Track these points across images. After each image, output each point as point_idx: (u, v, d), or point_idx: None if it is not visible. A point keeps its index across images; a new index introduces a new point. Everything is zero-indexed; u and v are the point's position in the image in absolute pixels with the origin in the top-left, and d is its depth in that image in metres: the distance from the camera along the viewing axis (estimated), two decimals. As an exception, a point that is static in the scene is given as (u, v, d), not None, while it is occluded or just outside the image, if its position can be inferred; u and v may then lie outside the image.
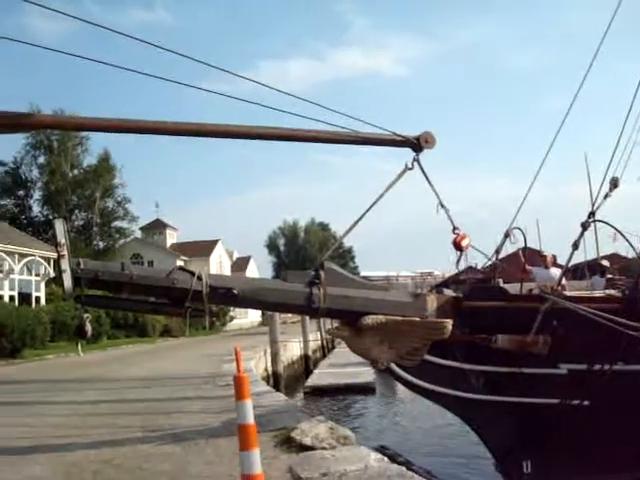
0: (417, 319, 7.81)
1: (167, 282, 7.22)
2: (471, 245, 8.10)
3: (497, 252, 10.08)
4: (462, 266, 8.95)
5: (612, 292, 9.67)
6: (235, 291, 7.37)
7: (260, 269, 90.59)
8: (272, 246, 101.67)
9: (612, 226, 8.55)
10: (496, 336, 8.03)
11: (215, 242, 70.51)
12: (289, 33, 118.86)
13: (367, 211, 7.72)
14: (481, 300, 8.33)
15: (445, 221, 7.95)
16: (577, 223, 8.45)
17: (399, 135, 7.59)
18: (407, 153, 7.81)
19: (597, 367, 8.22)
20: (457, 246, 7.97)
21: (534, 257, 13.58)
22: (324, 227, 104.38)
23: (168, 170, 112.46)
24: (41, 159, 55.32)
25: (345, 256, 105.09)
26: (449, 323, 7.72)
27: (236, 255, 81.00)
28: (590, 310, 7.74)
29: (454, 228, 7.96)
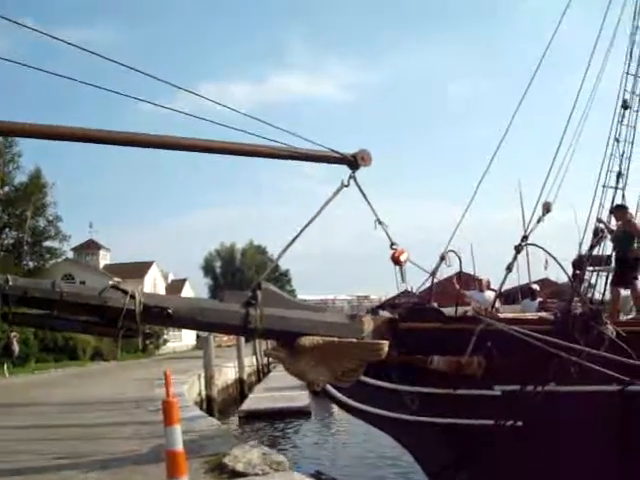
0: (353, 340, 7.77)
1: (99, 300, 7.00)
2: (409, 260, 8.12)
3: (433, 274, 10.13)
4: (400, 287, 8.93)
5: (544, 315, 9.84)
6: (170, 310, 7.19)
7: (196, 291, 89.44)
8: (208, 268, 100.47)
9: (544, 249, 8.72)
10: (432, 357, 8.06)
11: (150, 264, 69.43)
12: (231, 56, 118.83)
13: (303, 230, 7.66)
14: (417, 321, 8.36)
15: (382, 243, 7.97)
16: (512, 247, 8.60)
17: (336, 152, 7.59)
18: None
19: (530, 388, 8.32)
20: (396, 261, 7.97)
21: (470, 281, 13.78)
22: (261, 250, 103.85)
23: (104, 189, 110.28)
24: (-30, 176, 53.66)
25: (281, 279, 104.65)
26: (385, 344, 7.70)
27: (171, 277, 79.89)
28: (523, 331, 7.85)
29: (392, 244, 7.97)
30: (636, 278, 10.75)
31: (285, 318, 7.61)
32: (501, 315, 8.85)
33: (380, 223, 7.94)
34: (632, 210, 12.49)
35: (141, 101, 6.62)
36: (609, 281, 11.04)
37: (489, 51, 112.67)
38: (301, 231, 7.62)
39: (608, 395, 8.43)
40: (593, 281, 12.52)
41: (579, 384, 8.30)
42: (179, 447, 4.36)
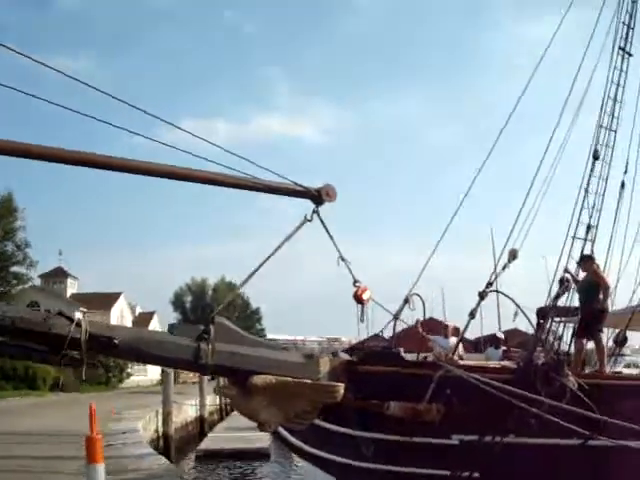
0: (308, 381, 7.50)
1: (44, 327, 6.70)
2: (372, 299, 7.91)
3: (396, 317, 9.93)
4: (365, 332, 8.69)
5: (507, 364, 9.64)
6: (116, 341, 6.89)
7: (164, 325, 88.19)
8: (178, 303, 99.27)
9: (507, 296, 8.58)
10: (389, 403, 7.80)
11: (117, 295, 68.23)
12: (214, 93, 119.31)
13: (264, 262, 7.41)
14: (376, 365, 8.12)
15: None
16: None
17: (300, 185, 7.40)
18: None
19: (488, 439, 8.08)
20: (358, 299, 7.74)
21: (439, 327, 13.56)
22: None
23: (76, 217, 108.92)
24: (-62, 197, 52.63)
25: (252, 317, 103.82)
26: (341, 387, 7.45)
27: (139, 310, 78.65)
28: (482, 379, 7.65)
29: (355, 281, 7.75)
30: (601, 330, 10.61)
31: (238, 355, 7.34)
32: (462, 362, 8.63)
33: (343, 260, 7.74)
34: (601, 262, 12.47)
35: (126, 132, 6.44)
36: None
37: (465, 99, 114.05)
38: (262, 263, 7.34)
39: (569, 449, 8.21)
40: (560, 332, 12.43)
41: (539, 436, 8.09)
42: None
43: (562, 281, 8.94)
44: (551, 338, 11.97)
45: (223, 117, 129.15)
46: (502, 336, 13.86)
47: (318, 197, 7.48)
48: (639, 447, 8.17)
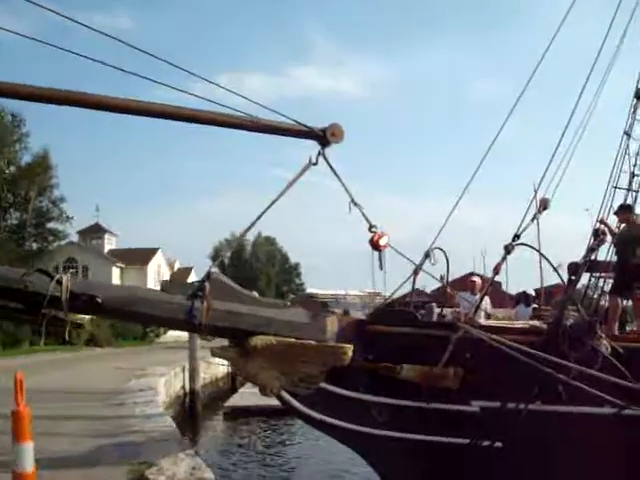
0: (313, 342, 6.91)
1: (18, 284, 6.20)
2: (389, 245, 7.24)
3: (415, 272, 9.18)
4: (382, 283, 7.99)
5: (536, 323, 8.87)
6: (99, 299, 6.36)
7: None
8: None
9: (535, 249, 7.84)
10: (401, 366, 7.15)
11: (155, 250, 68.38)
12: (250, 48, 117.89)
13: (267, 209, 6.83)
14: (388, 325, 7.45)
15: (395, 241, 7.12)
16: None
17: (303, 125, 6.71)
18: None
19: (512, 406, 7.39)
20: (375, 245, 7.10)
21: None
22: (271, 242, 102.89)
23: (114, 171, 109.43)
24: (-25, 155, 52.95)
25: (291, 272, 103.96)
26: (349, 348, 6.84)
27: (177, 265, 78.94)
28: (505, 342, 6.93)
29: (370, 226, 7.09)
30: (638, 288, 9.74)
31: (235, 313, 6.77)
32: (483, 322, 7.90)
33: (355, 204, 7.08)
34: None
35: (157, 84, 6.14)
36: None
37: (511, 52, 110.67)
38: (266, 209, 6.79)
39: (601, 418, 7.48)
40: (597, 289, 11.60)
41: (568, 404, 7.37)
42: (29, 469, 3.44)
43: (596, 233, 8.09)
44: (583, 296, 11.26)
45: (260, 71, 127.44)
46: (532, 293, 13.03)
47: (323, 138, 6.80)
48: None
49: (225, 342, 7.24)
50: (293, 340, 6.84)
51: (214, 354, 7.25)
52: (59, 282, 6.26)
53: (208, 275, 6.77)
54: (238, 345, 6.95)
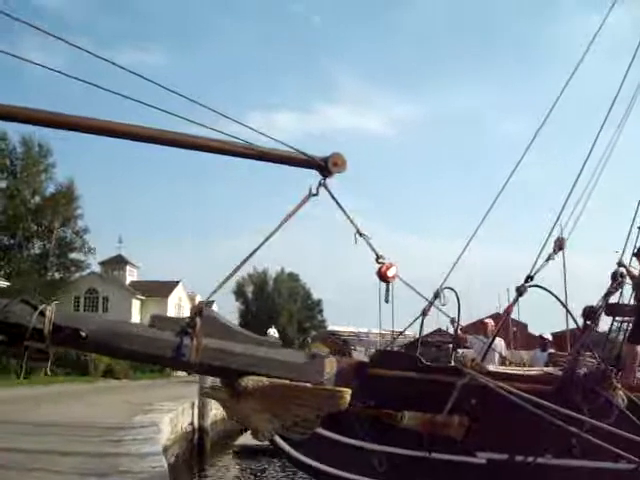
0: (308, 385, 6.48)
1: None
2: (398, 276, 6.86)
3: (424, 314, 8.80)
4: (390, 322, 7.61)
5: (551, 370, 8.40)
6: (83, 333, 6.03)
7: (224, 315, 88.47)
8: (240, 293, 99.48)
9: (549, 291, 7.36)
10: (402, 413, 6.72)
11: (176, 283, 68.54)
12: (279, 86, 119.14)
13: (264, 242, 6.45)
14: (390, 368, 7.03)
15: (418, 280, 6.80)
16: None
17: (304, 153, 6.38)
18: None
19: (520, 458, 6.91)
20: (382, 277, 6.67)
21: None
22: (294, 278, 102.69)
23: (138, 203, 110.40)
24: (2, 183, 53.64)
25: (313, 308, 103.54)
26: (347, 393, 6.40)
27: (199, 299, 78.98)
28: (512, 390, 6.47)
29: (377, 257, 6.71)
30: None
31: (227, 352, 6.37)
32: (492, 368, 7.45)
33: (361, 235, 6.70)
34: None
35: (189, 122, 6.02)
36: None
37: (534, 91, 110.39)
38: (264, 242, 6.40)
39: (616, 475, 6.96)
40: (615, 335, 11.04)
41: (582, 458, 6.87)
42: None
43: (615, 275, 7.62)
44: (605, 341, 10.70)
45: (287, 108, 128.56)
46: (549, 337, 12.49)
47: (325, 167, 6.48)
48: None
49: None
50: (287, 382, 6.43)
51: (204, 394, 6.91)
52: (42, 314, 5.97)
53: (199, 310, 6.41)
54: (229, 385, 6.57)
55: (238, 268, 6.62)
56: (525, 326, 41.60)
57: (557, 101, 9.83)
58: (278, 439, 7.00)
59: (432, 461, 6.97)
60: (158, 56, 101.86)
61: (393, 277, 6.83)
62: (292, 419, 6.61)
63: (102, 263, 66.71)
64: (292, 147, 6.40)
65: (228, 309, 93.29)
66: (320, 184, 6.48)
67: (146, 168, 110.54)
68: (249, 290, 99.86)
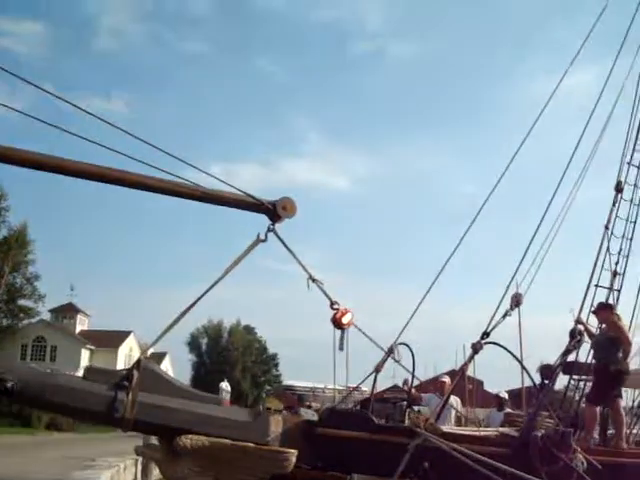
0: (251, 445, 6.08)
1: None
2: (354, 323, 6.55)
3: (377, 370, 8.48)
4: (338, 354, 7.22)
5: (507, 430, 8.06)
6: (9, 384, 5.56)
7: (177, 367, 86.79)
8: (194, 344, 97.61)
9: (505, 348, 7.12)
10: (352, 476, 6.32)
11: (127, 333, 66.76)
12: (239, 138, 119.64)
13: (208, 290, 6.21)
14: (340, 428, 6.64)
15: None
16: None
17: (252, 197, 6.11)
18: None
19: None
20: (337, 323, 6.51)
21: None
22: (249, 330, 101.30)
23: (90, 251, 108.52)
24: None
25: (269, 362, 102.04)
26: (292, 454, 6.03)
27: (151, 350, 77.28)
28: (467, 452, 6.14)
29: (332, 303, 6.49)
30: (618, 395, 8.98)
31: (164, 408, 5.95)
32: (445, 429, 7.11)
33: (313, 281, 6.49)
34: (627, 315, 10.93)
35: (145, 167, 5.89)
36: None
37: (489, 153, 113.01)
38: (206, 291, 6.19)
39: None
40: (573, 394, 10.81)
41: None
42: None
43: (573, 333, 7.41)
44: (562, 399, 10.46)
45: (251, 161, 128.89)
46: (505, 396, 12.19)
47: (274, 212, 6.21)
48: None
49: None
50: (229, 442, 6.02)
51: (138, 453, 6.42)
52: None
53: (138, 363, 6.01)
54: (167, 444, 6.12)
55: (179, 319, 6.23)
56: (481, 383, 41.38)
57: (509, 164, 9.82)
58: (218, 503, 6.51)
59: None
60: (119, 105, 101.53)
61: (348, 324, 6.54)
62: (234, 481, 6.19)
63: (52, 311, 64.95)
64: (240, 190, 6.14)
65: (182, 361, 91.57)
66: (269, 229, 6.22)
67: (102, 216, 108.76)
68: (203, 342, 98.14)
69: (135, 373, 5.88)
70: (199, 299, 6.22)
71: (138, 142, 5.81)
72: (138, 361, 6.06)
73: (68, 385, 5.90)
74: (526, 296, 9.06)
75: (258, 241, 6.19)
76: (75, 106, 5.75)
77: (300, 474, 6.26)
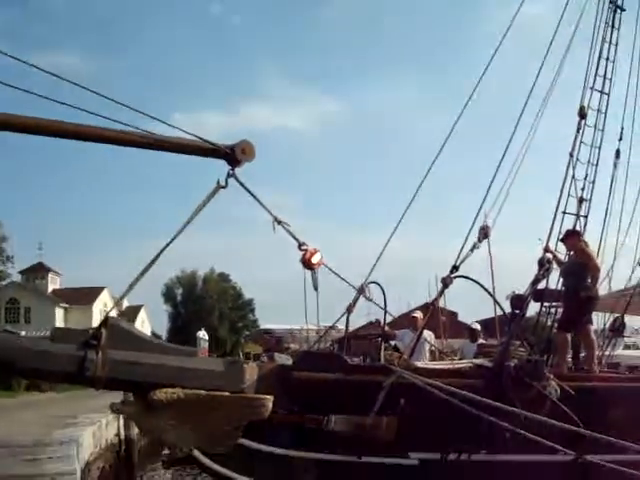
0: (226, 394, 6.03)
1: None
2: (324, 263, 6.49)
3: (349, 311, 8.49)
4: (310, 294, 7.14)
5: (480, 361, 8.14)
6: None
7: (154, 319, 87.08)
8: (169, 295, 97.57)
9: (475, 281, 7.12)
10: (329, 417, 6.34)
11: (100, 289, 66.37)
12: (201, 86, 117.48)
13: (171, 241, 5.99)
14: (314, 370, 6.63)
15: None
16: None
17: (209, 142, 5.92)
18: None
19: (453, 457, 6.63)
20: (307, 264, 6.42)
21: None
22: (224, 277, 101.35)
23: (60, 208, 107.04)
24: None
25: (245, 308, 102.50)
26: (268, 400, 6.00)
27: (126, 304, 76.89)
28: (441, 386, 6.18)
29: (300, 244, 6.40)
30: (589, 322, 9.09)
31: (136, 364, 5.85)
32: (419, 364, 7.15)
33: (279, 223, 6.34)
34: (595, 241, 11.03)
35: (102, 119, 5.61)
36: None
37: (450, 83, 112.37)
38: (170, 242, 5.96)
39: (553, 467, 6.76)
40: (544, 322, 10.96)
41: (517, 452, 6.63)
42: None
43: (542, 262, 7.41)
44: (534, 327, 10.59)
45: (212, 109, 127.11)
46: (478, 327, 12.30)
47: (232, 156, 6.02)
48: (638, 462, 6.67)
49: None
50: (203, 392, 5.97)
51: (113, 410, 6.35)
52: None
53: (105, 321, 5.90)
54: (141, 399, 6.06)
55: (146, 270, 6.06)
56: (455, 314, 42.07)
57: (471, 96, 9.72)
58: (197, 453, 6.52)
59: (362, 465, 6.63)
60: (71, 58, 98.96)
61: (318, 264, 6.47)
62: (211, 432, 6.17)
63: (22, 272, 64.27)
64: (196, 135, 5.94)
65: (159, 313, 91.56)
66: (229, 175, 6.04)
67: (65, 170, 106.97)
68: (178, 292, 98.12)
69: (103, 331, 5.77)
70: (163, 249, 6.01)
71: (95, 96, 5.54)
72: (106, 318, 5.95)
73: (36, 348, 5.79)
74: (496, 228, 9.12)
75: (218, 187, 6.01)
76: (25, 62, 5.43)
77: (277, 419, 6.24)
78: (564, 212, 10.62)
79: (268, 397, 6.01)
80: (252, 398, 6.08)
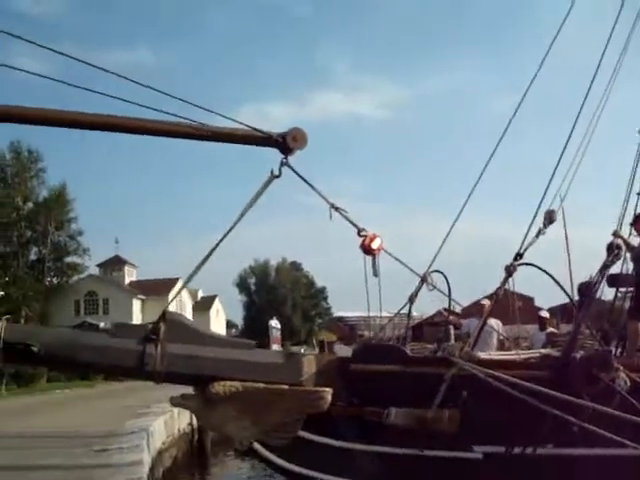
0: (285, 387, 6.02)
1: None
2: (384, 248, 6.38)
3: (411, 301, 8.34)
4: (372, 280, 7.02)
5: (548, 351, 7.88)
6: (34, 348, 5.58)
7: (229, 308, 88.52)
8: (242, 285, 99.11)
9: (541, 269, 6.84)
10: (389, 410, 6.24)
11: (176, 280, 67.26)
12: (268, 77, 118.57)
13: (229, 232, 5.96)
14: (374, 363, 6.54)
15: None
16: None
17: (260, 131, 5.88)
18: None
19: (519, 450, 6.44)
20: (367, 249, 6.30)
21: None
22: (296, 267, 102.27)
23: (135, 204, 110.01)
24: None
25: (317, 296, 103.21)
26: (327, 392, 5.95)
27: (200, 294, 78.30)
28: (504, 378, 5.99)
29: (359, 230, 6.29)
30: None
31: (195, 357, 5.92)
32: (482, 355, 6.95)
33: (336, 209, 6.25)
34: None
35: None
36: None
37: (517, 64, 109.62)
38: (227, 232, 5.95)
39: (623, 461, 6.48)
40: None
41: (585, 446, 6.39)
42: None
43: (610, 248, 7.08)
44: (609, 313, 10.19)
45: (280, 99, 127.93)
46: (547, 315, 11.91)
47: (284, 144, 5.95)
48: None
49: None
50: (262, 385, 5.97)
51: (173, 404, 6.41)
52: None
53: (163, 315, 5.94)
54: (201, 393, 6.10)
55: (205, 260, 6.07)
56: (531, 299, 41.06)
57: (536, 75, 9.33)
58: (257, 446, 6.53)
59: (425, 459, 6.51)
60: (144, 53, 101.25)
61: (379, 249, 6.35)
62: (271, 424, 6.16)
63: (100, 265, 66.25)
64: (248, 125, 5.90)
65: (233, 302, 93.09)
66: (282, 163, 5.98)
67: (141, 168, 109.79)
68: (252, 282, 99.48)
69: (162, 326, 5.84)
70: (221, 240, 6.01)
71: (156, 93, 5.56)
72: (163, 313, 6.00)
73: (97, 343, 5.90)
74: (574, 209, 8.72)
75: (272, 177, 5.96)
76: (90, 64, 5.47)
77: (336, 411, 6.18)
78: (638, 193, 10.17)
79: (327, 389, 5.97)
80: (311, 391, 6.05)
